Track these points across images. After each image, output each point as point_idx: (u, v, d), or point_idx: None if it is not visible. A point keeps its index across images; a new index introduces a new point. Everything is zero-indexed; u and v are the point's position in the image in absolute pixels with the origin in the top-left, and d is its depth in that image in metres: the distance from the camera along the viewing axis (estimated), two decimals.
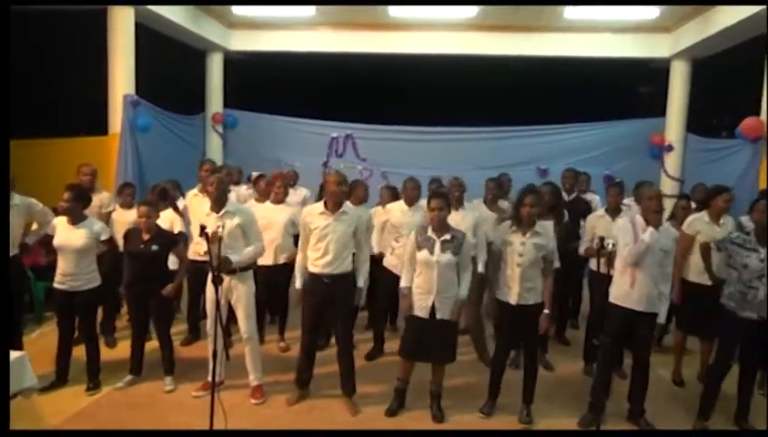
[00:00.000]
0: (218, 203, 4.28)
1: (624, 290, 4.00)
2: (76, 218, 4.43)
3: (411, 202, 5.37)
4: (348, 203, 4.30)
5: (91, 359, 4.58)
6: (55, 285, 4.46)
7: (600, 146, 9.73)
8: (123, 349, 5.12)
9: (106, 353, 5.15)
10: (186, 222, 5.59)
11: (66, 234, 4.39)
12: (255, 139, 10.34)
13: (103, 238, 4.54)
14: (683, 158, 9.35)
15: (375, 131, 10.23)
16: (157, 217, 4.69)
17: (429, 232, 4.07)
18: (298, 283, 4.36)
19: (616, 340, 4.14)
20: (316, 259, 4.22)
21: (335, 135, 10.30)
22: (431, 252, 4.01)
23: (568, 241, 5.29)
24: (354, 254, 4.36)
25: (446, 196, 4.25)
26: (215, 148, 10.37)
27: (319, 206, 4.28)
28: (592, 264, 5.46)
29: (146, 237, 4.51)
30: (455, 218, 5.26)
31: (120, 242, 4.89)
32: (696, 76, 9.25)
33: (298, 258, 4.38)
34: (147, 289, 4.54)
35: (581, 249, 5.26)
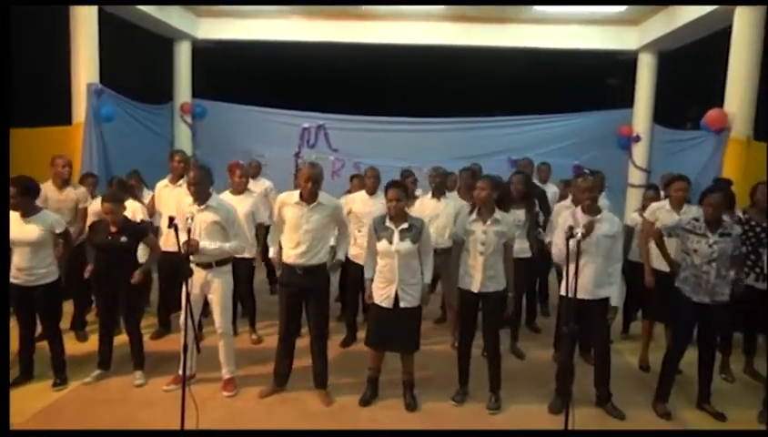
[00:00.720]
0: (200, 197, 4.20)
1: (570, 280, 4.03)
2: (28, 212, 4.30)
3: (372, 191, 5.39)
4: (323, 193, 4.28)
5: (55, 354, 4.48)
6: (12, 280, 4.32)
7: (569, 136, 9.85)
8: (93, 343, 4.99)
9: (77, 347, 5.07)
10: (156, 213, 5.51)
11: (19, 228, 4.25)
12: (224, 129, 10.19)
13: (57, 230, 4.43)
14: (650, 149, 9.53)
15: (347, 121, 10.18)
16: (123, 209, 4.59)
17: (387, 222, 4.09)
18: (271, 252, 4.41)
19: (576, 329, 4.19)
20: (289, 250, 4.20)
21: (306, 125, 10.22)
22: (390, 242, 4.04)
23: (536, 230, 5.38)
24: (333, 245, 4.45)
25: (404, 185, 4.25)
26: (183, 139, 10.19)
27: (295, 194, 4.24)
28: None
29: (113, 229, 4.42)
30: (436, 207, 5.29)
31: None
32: (663, 69, 9.42)
33: (275, 236, 4.38)
34: (116, 282, 4.45)
35: (547, 239, 5.37)
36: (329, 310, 4.50)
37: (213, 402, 4.21)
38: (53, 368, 4.47)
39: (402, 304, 4.08)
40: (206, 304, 4.46)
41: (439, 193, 5.42)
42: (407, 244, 4.03)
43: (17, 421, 3.86)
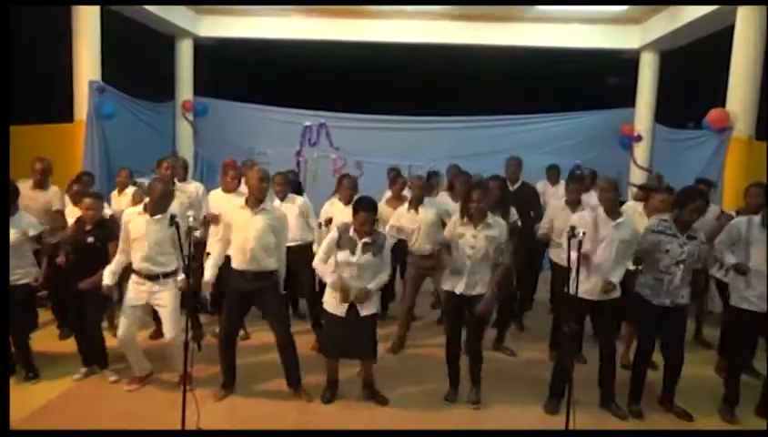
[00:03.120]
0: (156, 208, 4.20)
1: (581, 281, 4.03)
2: None
3: (347, 201, 5.23)
4: (269, 200, 4.27)
5: (22, 353, 4.51)
6: None
7: (570, 136, 9.83)
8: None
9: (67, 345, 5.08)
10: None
11: None
12: (226, 128, 10.17)
13: (31, 233, 4.47)
14: (652, 148, 9.50)
15: (349, 120, 10.15)
16: (101, 208, 4.61)
17: (352, 233, 4.09)
18: (207, 275, 4.30)
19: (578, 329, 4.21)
20: (236, 254, 4.17)
21: (308, 123, 10.20)
22: (353, 253, 4.05)
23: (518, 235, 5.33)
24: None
25: (374, 206, 4.16)
26: (185, 137, 10.18)
27: (241, 200, 4.24)
28: (552, 254, 5.59)
29: (87, 227, 4.46)
30: (414, 220, 5.23)
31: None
32: (664, 68, 9.40)
33: (214, 249, 4.36)
34: (79, 279, 4.47)
35: (540, 233, 5.45)
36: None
37: (213, 402, 4.22)
38: (24, 366, 4.51)
39: (362, 313, 4.09)
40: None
41: (416, 204, 5.29)
42: (368, 257, 4.05)
43: (17, 419, 3.86)
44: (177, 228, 3.49)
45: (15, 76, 7.96)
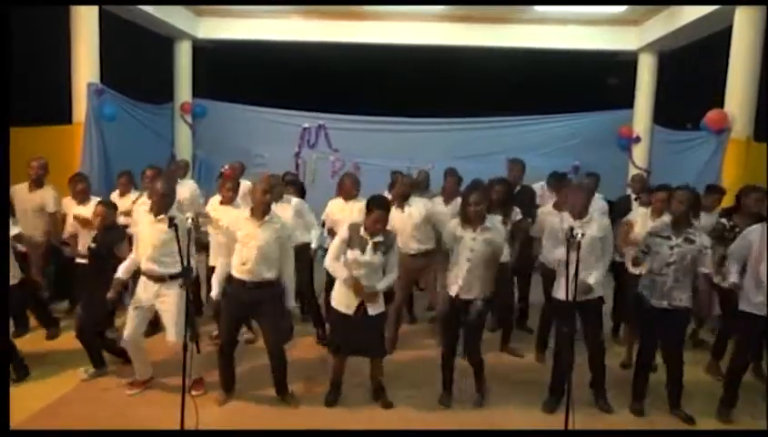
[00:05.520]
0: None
1: (560, 283, 4.07)
2: None
3: (348, 197, 5.33)
4: (274, 211, 4.27)
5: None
6: None
7: (569, 137, 9.85)
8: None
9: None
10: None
11: None
12: (225, 129, 10.18)
13: (11, 233, 4.46)
14: (650, 150, 9.52)
15: (347, 121, 10.16)
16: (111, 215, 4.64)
17: (362, 232, 4.08)
18: (214, 292, 4.30)
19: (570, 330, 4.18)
20: (237, 265, 4.14)
21: (307, 125, 10.21)
22: (363, 252, 4.04)
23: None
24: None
25: (387, 205, 4.16)
26: (184, 138, 10.19)
27: (246, 212, 4.22)
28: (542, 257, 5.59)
29: (94, 233, 4.54)
30: (401, 219, 5.10)
31: (81, 237, 4.89)
32: (663, 69, 9.42)
33: (218, 264, 4.32)
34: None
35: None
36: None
37: (213, 403, 4.22)
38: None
39: (371, 312, 4.08)
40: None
41: (401, 201, 5.19)
42: (378, 256, 4.05)
43: (17, 420, 3.86)
44: (177, 229, 3.48)
45: (14, 78, 7.99)
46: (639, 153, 9.60)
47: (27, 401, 4.16)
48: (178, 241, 3.49)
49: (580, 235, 3.68)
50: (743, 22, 6.80)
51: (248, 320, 4.79)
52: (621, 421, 4.21)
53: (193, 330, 3.89)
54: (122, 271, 4.35)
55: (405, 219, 5.12)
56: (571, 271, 3.57)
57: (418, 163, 9.10)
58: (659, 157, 9.22)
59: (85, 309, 4.58)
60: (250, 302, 4.15)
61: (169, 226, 3.46)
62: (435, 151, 9.51)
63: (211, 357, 4.43)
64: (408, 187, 5.30)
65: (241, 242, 4.11)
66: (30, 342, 5.17)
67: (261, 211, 4.13)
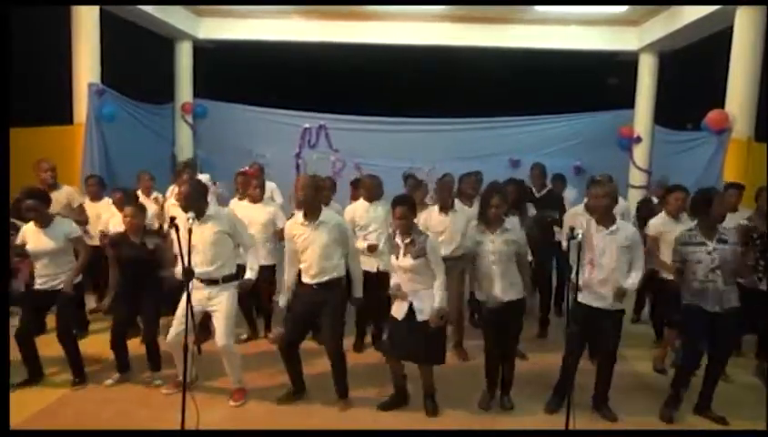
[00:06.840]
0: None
1: (584, 288, 4.03)
2: None
3: (372, 199, 5.33)
4: (326, 211, 4.27)
5: None
6: None
7: (570, 137, 9.86)
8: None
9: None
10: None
11: None
12: (225, 130, 10.19)
13: (73, 236, 4.50)
14: (651, 150, 9.52)
15: (348, 122, 10.17)
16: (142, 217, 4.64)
17: (396, 237, 4.11)
18: (281, 301, 4.32)
19: (581, 333, 4.13)
20: (304, 270, 4.20)
21: (307, 125, 10.22)
22: (397, 257, 4.06)
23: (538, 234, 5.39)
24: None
25: (411, 202, 4.16)
26: (185, 139, 10.20)
27: (299, 216, 4.22)
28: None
29: (132, 238, 4.50)
30: (442, 222, 5.17)
31: (94, 233, 4.92)
32: (663, 69, 9.42)
33: (287, 272, 4.32)
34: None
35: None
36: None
37: (213, 403, 4.21)
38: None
39: (419, 318, 4.03)
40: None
41: (446, 207, 5.22)
42: (409, 259, 4.02)
43: (17, 420, 3.86)
44: (177, 230, 3.47)
45: (15, 78, 8.01)
46: (639, 153, 9.59)
47: (27, 402, 4.17)
48: (179, 242, 3.49)
49: (579, 235, 3.69)
50: (744, 22, 6.80)
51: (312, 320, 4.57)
52: (620, 422, 4.18)
53: (199, 332, 3.90)
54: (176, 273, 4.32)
55: (446, 224, 5.15)
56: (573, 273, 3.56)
57: (418, 163, 9.11)
58: (659, 158, 9.21)
59: (145, 315, 4.56)
60: (316, 302, 4.18)
61: (170, 226, 3.46)
62: (435, 151, 9.53)
63: (213, 358, 4.42)
64: (451, 189, 5.32)
65: (301, 247, 4.15)
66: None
67: (313, 214, 4.15)
